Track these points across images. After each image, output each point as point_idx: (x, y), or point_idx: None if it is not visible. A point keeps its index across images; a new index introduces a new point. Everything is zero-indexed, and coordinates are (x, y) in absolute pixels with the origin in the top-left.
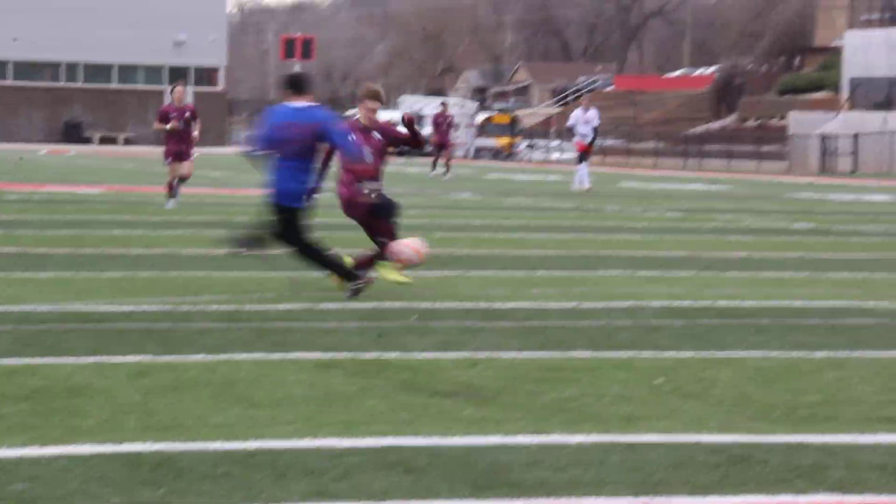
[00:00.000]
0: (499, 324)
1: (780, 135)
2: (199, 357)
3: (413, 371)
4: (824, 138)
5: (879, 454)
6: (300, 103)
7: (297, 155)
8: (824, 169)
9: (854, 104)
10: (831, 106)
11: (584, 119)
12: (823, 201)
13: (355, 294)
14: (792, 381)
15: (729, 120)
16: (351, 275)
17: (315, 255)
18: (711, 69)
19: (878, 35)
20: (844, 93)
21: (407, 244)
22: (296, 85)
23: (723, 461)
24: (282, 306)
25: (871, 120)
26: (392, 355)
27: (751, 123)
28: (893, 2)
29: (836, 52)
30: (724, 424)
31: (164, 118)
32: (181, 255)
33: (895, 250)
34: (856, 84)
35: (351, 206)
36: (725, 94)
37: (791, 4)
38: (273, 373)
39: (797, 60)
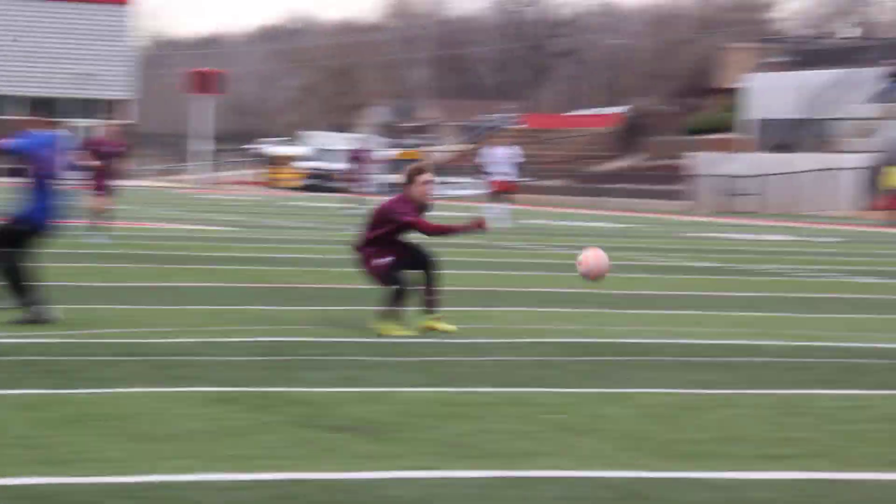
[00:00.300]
0: (398, 359)
1: (685, 174)
2: (94, 390)
3: (311, 406)
4: (728, 178)
5: (766, 490)
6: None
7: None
8: (727, 208)
9: (758, 145)
10: (736, 146)
11: (501, 156)
12: (725, 240)
13: (26, 321)
14: (685, 418)
15: (635, 159)
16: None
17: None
18: (619, 108)
19: (779, 78)
20: (749, 134)
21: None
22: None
23: (615, 497)
24: (179, 340)
25: (774, 160)
26: (291, 390)
27: (656, 162)
28: (796, 46)
29: (740, 94)
30: (617, 460)
31: (95, 152)
32: (80, 287)
33: (792, 289)
34: (760, 125)
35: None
36: (633, 134)
37: (697, 46)
38: (169, 406)
39: (703, 101)
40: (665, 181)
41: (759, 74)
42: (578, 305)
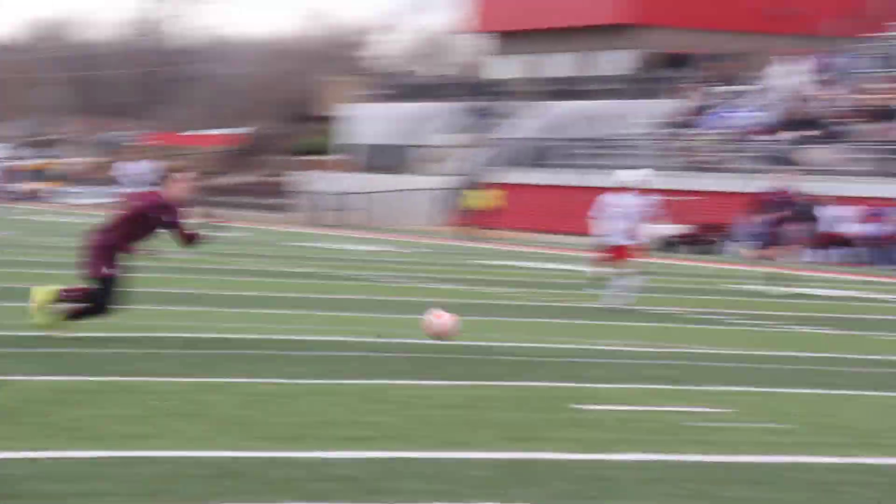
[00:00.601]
0: (19, 350)
1: (290, 190)
2: None
3: None
4: (329, 195)
5: (344, 467)
6: None
7: None
8: (327, 222)
9: (351, 166)
10: (337, 167)
11: (133, 170)
12: (320, 249)
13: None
14: (279, 404)
15: (250, 175)
16: None
17: None
18: (237, 130)
19: (373, 108)
20: (348, 155)
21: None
22: None
23: (211, 474)
24: None
25: (363, 181)
26: None
27: (268, 179)
28: (389, 81)
29: (340, 121)
30: (214, 442)
31: None
32: None
33: (374, 293)
34: (353, 149)
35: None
36: (248, 153)
37: (307, 76)
38: None
39: (308, 126)
40: (274, 196)
41: (356, 105)
42: (191, 304)
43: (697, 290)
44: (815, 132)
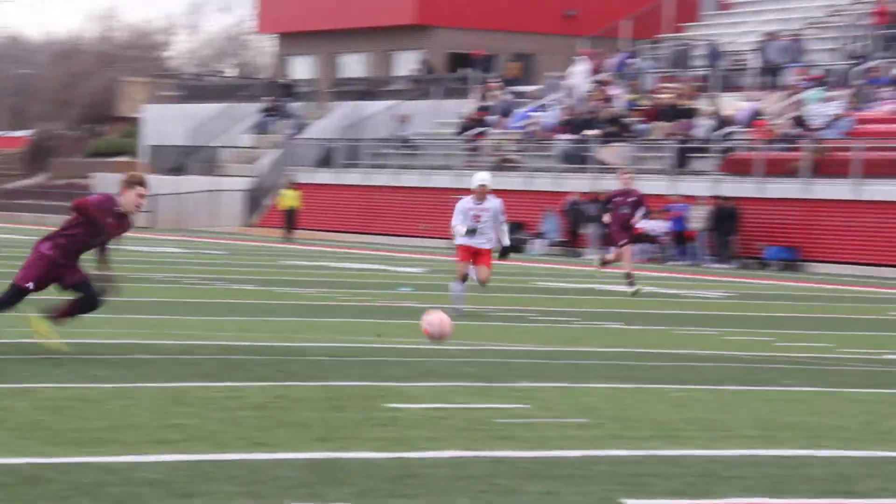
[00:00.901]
0: None
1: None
2: None
3: None
4: None
5: (154, 471)
6: None
7: None
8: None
9: (152, 168)
10: (131, 168)
11: None
12: (122, 251)
13: None
14: (82, 409)
15: (40, 178)
16: None
17: None
18: (25, 132)
19: (172, 109)
20: (145, 158)
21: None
22: None
23: (16, 481)
24: None
25: (165, 182)
26: None
27: (60, 182)
28: (186, 82)
29: (136, 122)
30: (17, 448)
31: None
32: None
33: (180, 295)
34: (153, 151)
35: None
36: (38, 155)
37: (98, 77)
38: None
39: (103, 128)
40: (69, 198)
41: (154, 105)
42: None
43: (506, 289)
44: (611, 130)
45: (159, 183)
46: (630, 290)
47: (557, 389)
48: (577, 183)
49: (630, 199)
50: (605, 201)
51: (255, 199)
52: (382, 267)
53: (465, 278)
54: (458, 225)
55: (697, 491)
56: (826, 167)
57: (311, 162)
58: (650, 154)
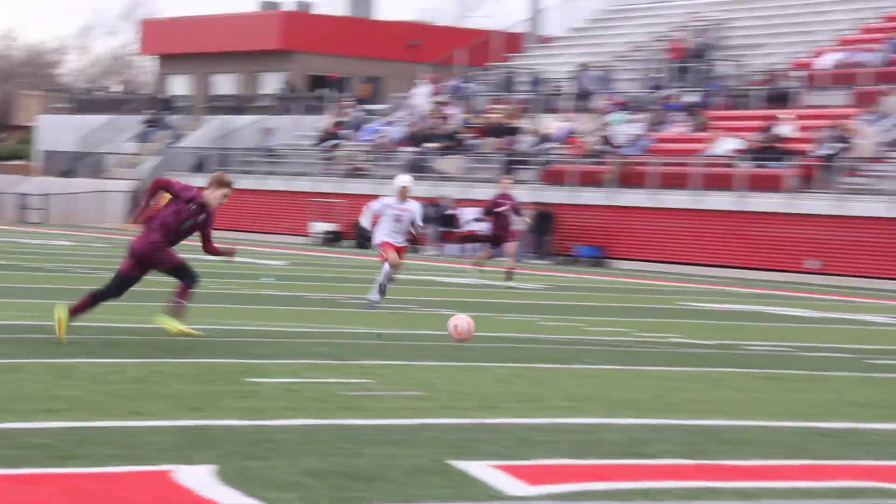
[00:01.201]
0: None
1: None
2: None
3: None
4: (20, 195)
5: (40, 436)
6: None
7: None
8: (20, 220)
9: (45, 171)
10: (27, 171)
11: None
12: (19, 244)
13: None
14: None
15: None
16: None
17: None
18: None
19: (64, 119)
20: (38, 161)
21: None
22: None
23: None
24: None
25: (57, 183)
26: None
27: None
28: (76, 95)
29: (31, 130)
30: None
31: None
32: None
33: (71, 282)
34: (47, 155)
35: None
36: None
37: (4, 90)
38: None
39: (2, 135)
40: None
41: (48, 116)
42: None
43: (355, 279)
44: (448, 144)
45: (52, 184)
46: (507, 283)
47: (397, 367)
48: (419, 189)
49: (510, 203)
50: (490, 205)
51: (137, 199)
52: (248, 259)
53: (393, 264)
54: (365, 220)
55: (514, 454)
56: (628, 178)
57: (187, 168)
58: (481, 165)
